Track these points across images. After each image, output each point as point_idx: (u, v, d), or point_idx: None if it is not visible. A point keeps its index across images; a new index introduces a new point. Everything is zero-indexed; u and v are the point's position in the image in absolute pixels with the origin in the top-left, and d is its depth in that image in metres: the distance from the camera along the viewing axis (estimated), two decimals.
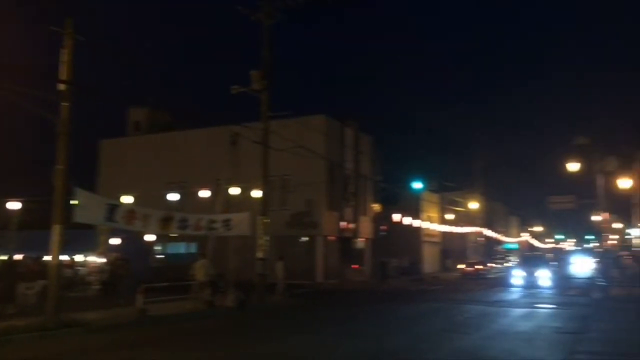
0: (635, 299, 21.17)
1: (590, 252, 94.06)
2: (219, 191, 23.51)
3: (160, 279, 23.10)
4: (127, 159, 36.27)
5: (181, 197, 29.82)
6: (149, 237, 27.73)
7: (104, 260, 22.23)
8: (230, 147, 24.43)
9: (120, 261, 20.89)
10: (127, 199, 23.14)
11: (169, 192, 29.62)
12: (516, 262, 44.23)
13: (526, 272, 29.43)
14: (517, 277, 29.58)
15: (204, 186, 27.07)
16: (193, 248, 32.63)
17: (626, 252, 58.44)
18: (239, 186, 24.76)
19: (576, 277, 41.81)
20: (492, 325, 13.79)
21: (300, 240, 31.75)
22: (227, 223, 18.58)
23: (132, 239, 25.54)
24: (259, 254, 19.19)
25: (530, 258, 37.19)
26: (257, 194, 22.30)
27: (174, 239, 31.07)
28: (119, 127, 40.42)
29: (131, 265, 20.53)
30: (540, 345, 10.59)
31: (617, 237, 64.58)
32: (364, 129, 36.66)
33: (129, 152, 36.82)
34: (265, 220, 19.55)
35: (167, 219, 16.23)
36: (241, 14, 20.20)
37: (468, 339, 11.55)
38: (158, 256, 29.26)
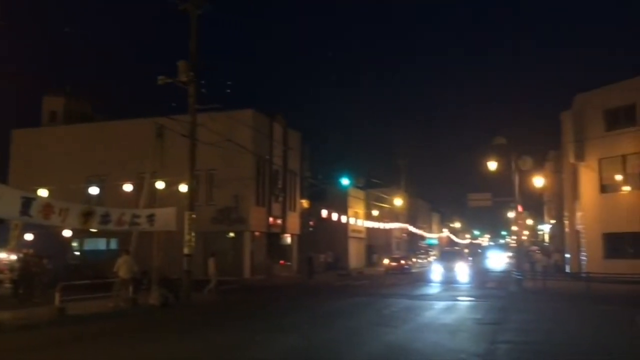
0: (546, 291, 22.48)
1: (504, 247, 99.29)
2: (143, 185, 22.69)
3: (78, 276, 22.03)
4: (42, 150, 34.21)
5: (102, 191, 28.57)
6: (66, 233, 26.34)
7: (15, 257, 20.88)
8: (156, 140, 23.61)
9: (34, 258, 19.65)
10: (42, 193, 21.87)
11: (88, 186, 28.30)
12: (436, 258, 45.80)
13: (445, 267, 30.26)
14: (437, 272, 30.44)
15: (126, 180, 26.05)
16: (114, 244, 31.37)
17: (536, 247, 62.15)
18: (164, 180, 24.00)
19: (492, 270, 43.96)
20: (418, 318, 14.16)
21: (228, 236, 31.29)
22: (151, 218, 17.99)
23: (48, 235, 24.19)
24: (186, 250, 18.69)
25: (449, 253, 38.44)
26: (183, 188, 21.72)
27: (93, 235, 29.67)
28: (33, 116, 38.16)
29: (45, 262, 19.37)
30: (464, 337, 10.98)
31: (528, 233, 68.59)
32: (292, 125, 36.69)
33: (44, 143, 34.73)
34: (192, 216, 19.07)
35: (87, 213, 15.45)
36: (168, 3, 19.65)
37: (396, 332, 11.79)
38: (76, 253, 27.85)
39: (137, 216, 17.73)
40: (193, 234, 19.02)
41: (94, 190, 27.33)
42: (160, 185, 23.42)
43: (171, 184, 23.43)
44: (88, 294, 16.91)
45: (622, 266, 24.71)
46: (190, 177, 19.59)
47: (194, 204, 19.68)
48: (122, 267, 16.69)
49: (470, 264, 35.82)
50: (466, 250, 54.86)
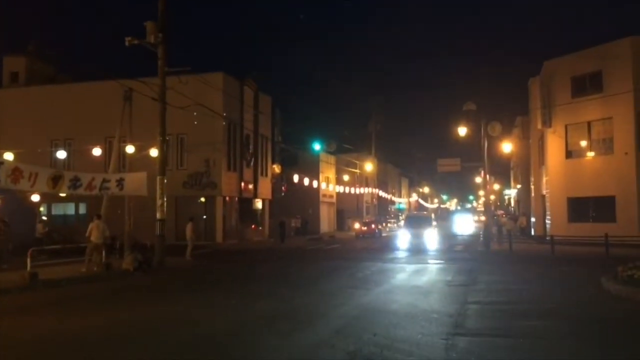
0: (512, 253, 23.17)
1: (472, 211, 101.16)
2: (112, 149, 22.27)
3: (47, 242, 21.75)
4: (3, 112, 33.15)
5: (69, 155, 27.95)
6: (34, 198, 25.81)
7: None
8: (124, 103, 23.06)
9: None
10: (7, 157, 21.25)
11: (54, 150, 27.66)
12: (404, 222, 46.26)
13: (412, 232, 30.21)
14: (404, 237, 30.45)
15: (94, 144, 25.49)
16: (83, 209, 30.96)
17: (502, 212, 63.62)
18: (133, 144, 23.61)
19: (460, 234, 44.98)
20: (391, 281, 14.47)
21: (199, 200, 31.16)
22: (121, 183, 17.77)
23: (13, 200, 23.62)
24: (158, 215, 18.55)
25: (415, 218, 38.69)
26: (153, 153, 21.43)
27: (62, 200, 29.20)
28: None
29: (7, 228, 18.94)
30: (436, 298, 11.31)
31: (494, 197, 70.12)
32: (263, 88, 36.29)
33: (6, 105, 33.63)
34: (164, 181, 18.87)
35: (57, 177, 15.16)
36: None
37: (371, 294, 12.06)
38: (44, 217, 27.36)
39: (107, 181, 17.49)
40: (165, 198, 18.87)
41: (61, 155, 26.69)
42: (129, 149, 23.02)
43: (141, 148, 23.07)
44: (59, 259, 16.71)
45: (585, 229, 25.63)
46: (161, 141, 19.30)
47: (165, 168, 19.46)
48: (94, 232, 16.52)
49: (437, 227, 36.43)
50: (433, 215, 55.84)
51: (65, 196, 24.67)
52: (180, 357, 6.74)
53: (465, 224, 66.22)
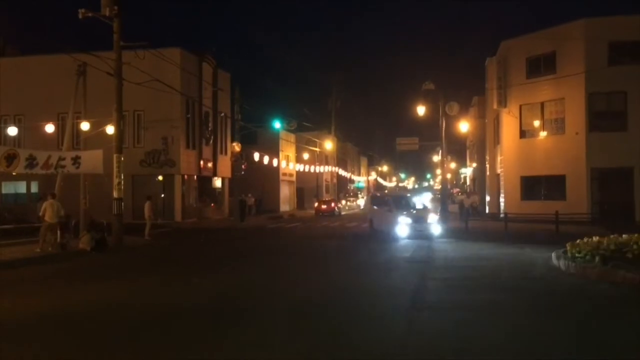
0: (467, 231, 23.79)
1: (429, 189, 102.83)
2: (65, 126, 21.59)
3: None
4: None
5: (20, 131, 26.94)
6: None
7: None
8: (78, 78, 22.31)
9: None
10: None
11: (4, 127, 26.62)
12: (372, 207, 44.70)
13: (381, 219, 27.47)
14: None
15: (47, 120, 24.66)
16: (35, 188, 30.03)
17: (457, 190, 65.01)
18: (88, 121, 22.95)
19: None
20: (352, 258, 14.70)
21: (157, 179, 30.65)
22: (77, 161, 17.32)
23: None
24: (115, 194, 18.17)
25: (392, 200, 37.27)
26: (109, 130, 20.91)
27: (13, 178, 28.19)
28: None
29: None
30: (397, 274, 11.57)
31: (451, 175, 71.55)
32: (222, 65, 35.72)
33: None
34: (121, 159, 18.46)
35: (11, 156, 14.66)
36: None
37: (332, 271, 12.22)
38: None
39: (63, 159, 17.02)
40: (122, 177, 18.50)
41: (12, 131, 25.70)
42: (84, 126, 22.39)
43: (96, 125, 22.47)
44: (12, 239, 16.22)
45: (537, 207, 26.55)
46: (117, 118, 18.82)
47: (122, 146, 19.02)
48: (48, 211, 16.05)
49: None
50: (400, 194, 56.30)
51: (16, 174, 23.87)
52: (131, 338, 6.67)
53: (424, 202, 66.92)
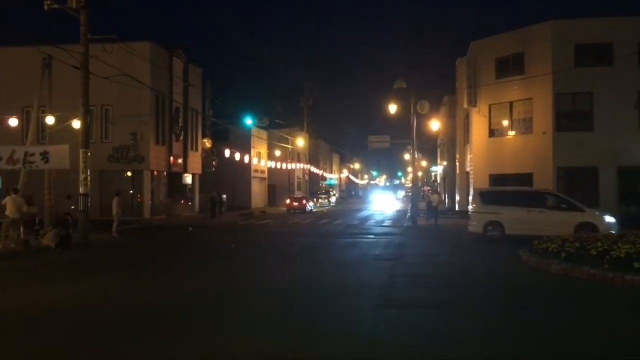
0: (437, 228, 24.06)
1: (401, 187, 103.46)
2: (30, 120, 21.03)
3: None
4: None
5: None
6: None
7: None
8: (43, 72, 21.77)
9: None
10: None
11: None
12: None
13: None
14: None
15: (10, 114, 23.98)
16: None
17: (428, 188, 65.63)
18: (54, 115, 22.43)
19: (389, 210, 46.12)
20: (323, 256, 14.67)
21: (126, 175, 30.13)
22: (45, 156, 16.93)
23: None
24: (82, 190, 17.78)
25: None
26: (76, 124, 20.45)
27: None
28: None
29: None
30: (367, 272, 11.58)
31: (422, 174, 72.25)
32: (194, 60, 35.31)
33: None
34: (87, 154, 18.06)
35: None
36: None
37: (302, 269, 12.18)
38: None
39: (32, 154, 16.62)
40: (89, 172, 18.12)
41: None
42: (50, 120, 21.87)
43: (62, 120, 21.97)
44: None
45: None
46: (84, 113, 18.41)
47: (89, 141, 18.63)
48: (9, 207, 15.63)
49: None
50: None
51: None
52: (91, 337, 6.51)
53: (394, 200, 67.69)
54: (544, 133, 27.42)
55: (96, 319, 7.37)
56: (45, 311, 7.78)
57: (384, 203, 54.97)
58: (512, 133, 29.41)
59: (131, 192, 29.87)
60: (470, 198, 18.74)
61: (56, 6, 17.84)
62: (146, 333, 6.56)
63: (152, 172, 30.51)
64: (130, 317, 7.37)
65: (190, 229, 24.34)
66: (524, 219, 17.16)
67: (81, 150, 17.92)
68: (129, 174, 30.16)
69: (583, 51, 26.54)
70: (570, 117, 27.24)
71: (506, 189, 21.23)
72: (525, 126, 28.84)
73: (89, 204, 18.00)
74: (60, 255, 14.77)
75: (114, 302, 8.44)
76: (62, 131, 21.65)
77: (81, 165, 17.82)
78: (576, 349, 5.94)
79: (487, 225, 17.65)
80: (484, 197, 18.85)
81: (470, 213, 18.72)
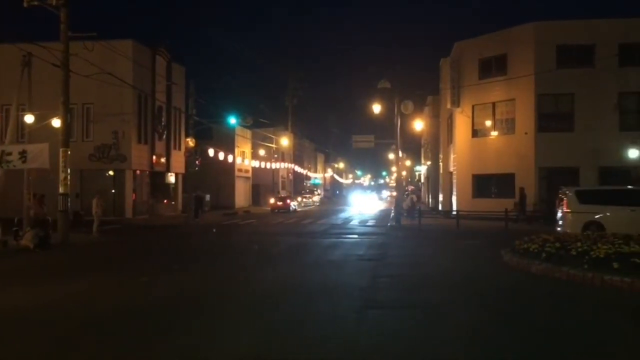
0: (420, 228, 24.14)
1: (385, 187, 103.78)
2: (9, 118, 20.68)
3: None
4: None
5: None
6: None
7: None
8: (22, 69, 21.41)
9: None
10: None
11: None
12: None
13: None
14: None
15: None
16: None
17: (412, 187, 65.95)
18: (33, 114, 22.09)
19: (372, 209, 46.22)
20: (306, 255, 14.63)
21: (107, 174, 29.82)
22: (23, 155, 16.68)
23: None
24: (61, 189, 17.54)
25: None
26: (55, 123, 20.16)
27: None
28: None
29: None
30: (349, 272, 11.55)
31: (406, 173, 72.56)
32: (177, 59, 35.04)
33: None
34: (67, 153, 17.81)
35: None
36: None
37: (285, 269, 12.13)
38: None
39: (9, 153, 16.36)
40: (68, 171, 17.87)
41: None
42: (29, 118, 21.53)
43: (42, 118, 21.66)
44: None
45: (487, 204, 27.17)
46: (64, 111, 18.15)
47: (69, 140, 18.37)
48: None
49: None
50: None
51: None
52: (66, 340, 6.39)
53: (378, 199, 67.59)
54: (526, 133, 27.70)
55: (63, 323, 7.20)
56: (12, 314, 7.61)
57: (364, 205, 53.29)
58: (494, 133, 29.66)
59: (113, 191, 29.58)
60: (564, 198, 17.56)
61: (36, 2, 17.58)
62: (112, 337, 6.44)
63: (134, 171, 30.23)
64: (100, 322, 7.21)
65: (214, 229, 23.91)
66: (627, 218, 16.16)
67: (61, 149, 17.67)
68: (111, 173, 29.86)
69: (564, 52, 26.87)
70: (552, 117, 27.57)
71: (606, 187, 20.35)
72: (507, 126, 29.10)
73: (69, 204, 17.75)
74: (38, 256, 14.53)
75: (86, 305, 8.27)
76: (41, 130, 21.34)
77: (61, 164, 17.57)
78: (550, 350, 5.97)
79: (586, 226, 16.43)
80: (580, 196, 17.65)
81: (562, 213, 17.67)
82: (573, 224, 16.94)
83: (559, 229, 17.36)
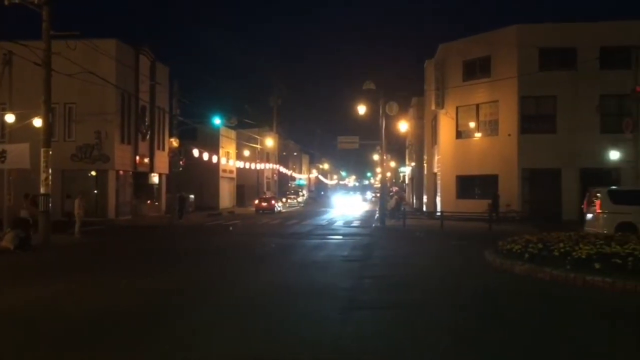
0: (404, 228, 24.25)
1: (369, 187, 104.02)
2: None
3: None
4: None
5: None
6: None
7: None
8: (3, 68, 21.14)
9: None
10: None
11: None
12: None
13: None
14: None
15: None
16: None
17: (397, 188, 66.15)
18: (14, 113, 21.80)
19: (357, 209, 46.31)
20: (290, 256, 14.59)
21: (90, 174, 29.48)
22: (3, 155, 16.42)
23: None
24: (42, 190, 17.28)
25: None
26: (37, 122, 19.90)
27: None
28: None
29: None
30: (334, 273, 11.54)
31: (390, 174, 72.80)
32: (161, 59, 34.79)
33: None
34: (49, 152, 17.56)
35: None
36: None
37: (270, 270, 12.09)
38: None
39: None
40: (50, 172, 17.62)
41: None
42: (9, 118, 21.26)
43: (23, 117, 21.38)
44: None
45: (471, 205, 27.37)
46: (45, 110, 17.89)
47: (50, 139, 18.12)
48: None
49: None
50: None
51: None
52: (43, 346, 6.29)
53: (362, 200, 67.50)
54: (509, 135, 27.95)
55: (35, 326, 7.07)
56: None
57: (347, 207, 51.99)
58: (478, 134, 29.89)
59: (95, 191, 29.26)
60: (597, 199, 17.14)
61: (17, 1, 17.31)
62: (89, 342, 6.35)
63: (117, 171, 29.93)
64: (74, 327, 7.09)
65: (231, 228, 23.76)
66: None
67: (42, 149, 17.42)
68: (93, 173, 29.53)
69: (547, 55, 27.18)
70: (534, 119, 27.86)
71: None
72: (491, 128, 29.35)
73: (50, 204, 17.50)
74: (18, 257, 14.31)
75: (61, 309, 8.10)
76: (22, 129, 21.07)
77: (42, 164, 17.32)
78: (529, 349, 6.03)
79: (619, 227, 15.93)
80: (613, 196, 17.21)
81: (594, 214, 17.36)
82: (606, 224, 16.60)
83: (589, 229, 16.85)
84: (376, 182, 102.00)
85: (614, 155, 24.77)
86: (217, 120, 36.76)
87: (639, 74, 20.78)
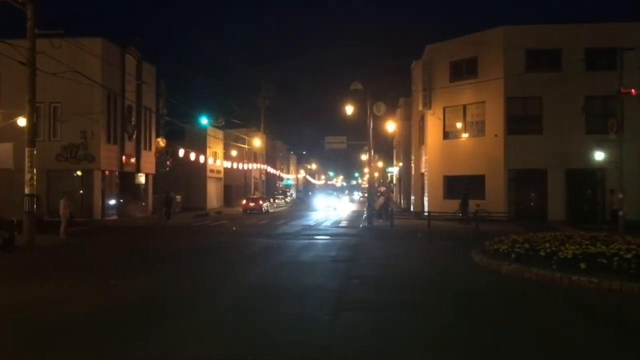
0: (392, 228, 24.28)
1: (357, 187, 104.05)
2: None
3: None
4: None
5: None
6: None
7: None
8: None
9: None
10: None
11: None
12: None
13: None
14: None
15: None
16: None
17: (384, 188, 66.24)
18: None
19: (345, 210, 46.34)
20: (278, 257, 14.54)
21: (75, 174, 29.18)
22: None
23: None
24: (27, 190, 17.07)
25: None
26: (21, 122, 19.67)
27: None
28: None
29: None
30: (322, 273, 11.53)
31: (378, 174, 72.89)
32: (147, 58, 34.51)
33: None
34: (33, 152, 17.36)
35: None
36: None
37: (258, 270, 12.04)
38: None
39: None
40: (35, 172, 17.42)
41: None
42: None
43: (6, 117, 21.11)
44: None
45: (458, 205, 27.46)
46: (29, 110, 17.68)
47: (35, 139, 17.90)
48: None
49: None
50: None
51: None
52: (25, 348, 6.21)
53: (349, 201, 67.31)
54: (496, 135, 28.12)
55: (16, 328, 6.98)
56: None
57: (334, 207, 50.73)
58: (465, 135, 30.03)
59: (81, 192, 28.98)
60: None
61: None
62: (71, 343, 6.28)
63: (103, 171, 29.66)
64: (58, 328, 7.00)
65: (234, 228, 23.46)
66: None
67: (27, 149, 17.22)
68: (79, 173, 29.24)
69: (533, 56, 27.39)
70: (521, 120, 28.05)
71: None
72: (477, 128, 29.50)
73: (35, 205, 17.30)
74: (2, 258, 14.12)
75: (44, 311, 7.99)
76: (6, 129, 20.82)
77: (26, 164, 17.12)
78: (511, 344, 6.06)
79: None
80: None
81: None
82: None
83: None
84: (364, 182, 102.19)
85: (599, 156, 25.00)
86: (204, 120, 36.57)
87: (624, 75, 20.97)
